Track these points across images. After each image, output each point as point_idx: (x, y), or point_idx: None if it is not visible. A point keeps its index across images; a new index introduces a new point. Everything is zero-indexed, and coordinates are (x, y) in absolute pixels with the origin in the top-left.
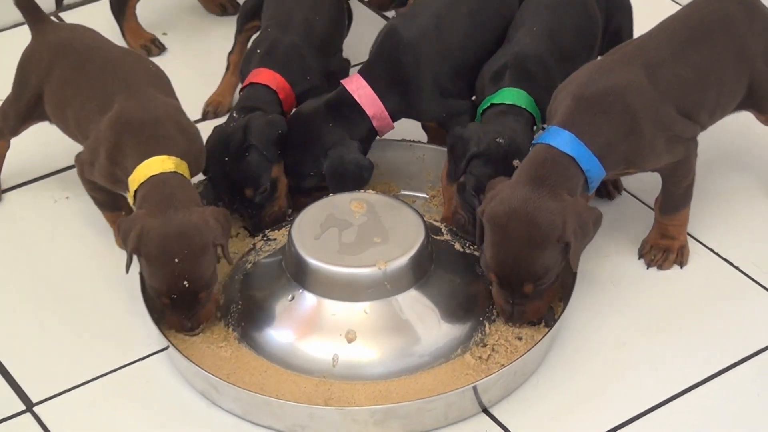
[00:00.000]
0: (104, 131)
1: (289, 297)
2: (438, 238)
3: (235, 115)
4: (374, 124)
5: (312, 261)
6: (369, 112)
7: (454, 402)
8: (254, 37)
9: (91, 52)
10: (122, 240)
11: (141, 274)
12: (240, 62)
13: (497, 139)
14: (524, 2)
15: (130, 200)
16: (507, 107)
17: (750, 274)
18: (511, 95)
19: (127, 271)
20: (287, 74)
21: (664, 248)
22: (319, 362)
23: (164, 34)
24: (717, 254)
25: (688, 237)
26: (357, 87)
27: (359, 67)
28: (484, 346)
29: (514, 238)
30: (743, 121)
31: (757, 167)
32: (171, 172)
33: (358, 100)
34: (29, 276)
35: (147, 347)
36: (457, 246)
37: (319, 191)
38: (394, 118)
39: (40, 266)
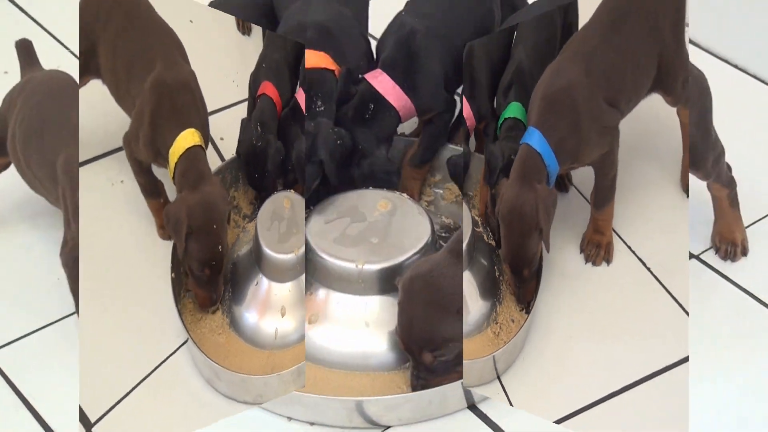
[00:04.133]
0: (147, 93)
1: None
2: (477, 230)
3: (260, 130)
4: (400, 114)
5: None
6: (396, 105)
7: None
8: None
9: (138, 9)
10: (172, 229)
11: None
12: None
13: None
14: (520, 23)
15: (170, 173)
16: (513, 121)
17: (656, 274)
18: (515, 110)
19: (181, 256)
20: (279, 85)
21: (597, 244)
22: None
23: None
24: (633, 252)
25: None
26: (380, 82)
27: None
28: None
29: (514, 232)
30: (651, 110)
31: (663, 157)
32: (198, 145)
33: (385, 96)
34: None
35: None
36: (485, 237)
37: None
38: None
39: (89, 251)
